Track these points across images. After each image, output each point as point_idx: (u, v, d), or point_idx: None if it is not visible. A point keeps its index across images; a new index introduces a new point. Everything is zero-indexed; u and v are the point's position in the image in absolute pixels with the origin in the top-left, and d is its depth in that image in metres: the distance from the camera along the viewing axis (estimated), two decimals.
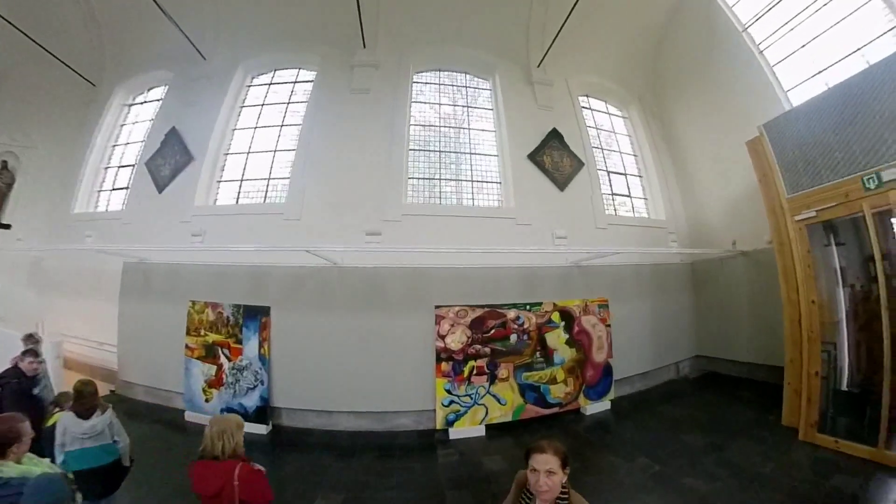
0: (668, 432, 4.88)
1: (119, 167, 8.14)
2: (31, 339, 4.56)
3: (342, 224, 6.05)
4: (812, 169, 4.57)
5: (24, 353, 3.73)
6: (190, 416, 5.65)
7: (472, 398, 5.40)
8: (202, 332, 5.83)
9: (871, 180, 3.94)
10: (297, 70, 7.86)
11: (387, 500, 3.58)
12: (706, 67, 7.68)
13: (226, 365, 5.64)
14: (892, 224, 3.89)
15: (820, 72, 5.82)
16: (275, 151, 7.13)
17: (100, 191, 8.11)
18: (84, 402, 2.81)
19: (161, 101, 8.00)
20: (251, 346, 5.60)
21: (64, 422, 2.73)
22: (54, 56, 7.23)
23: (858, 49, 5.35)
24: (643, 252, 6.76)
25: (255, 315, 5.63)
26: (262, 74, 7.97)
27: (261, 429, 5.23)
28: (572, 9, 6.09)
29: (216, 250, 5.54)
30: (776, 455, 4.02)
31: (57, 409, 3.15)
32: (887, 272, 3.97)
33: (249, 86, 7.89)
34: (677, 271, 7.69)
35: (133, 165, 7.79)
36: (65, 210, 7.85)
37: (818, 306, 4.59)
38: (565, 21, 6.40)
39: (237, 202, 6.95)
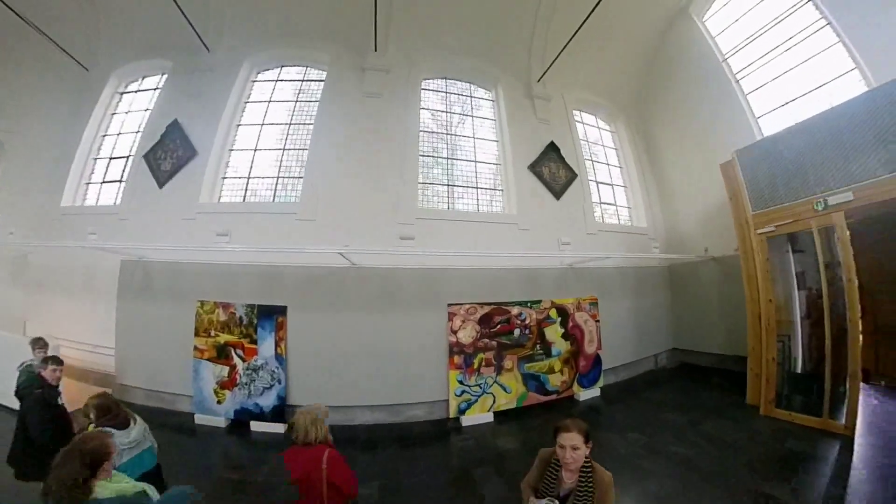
0: (652, 413, 5.66)
1: (111, 159, 7.73)
2: (39, 342, 4.24)
3: (358, 225, 6.25)
4: (773, 191, 5.47)
5: (46, 359, 3.39)
6: (200, 418, 5.52)
7: (481, 388, 5.92)
8: (213, 333, 5.74)
9: (819, 203, 4.85)
10: (305, 68, 7.88)
11: (421, 483, 3.90)
12: (687, 89, 8.55)
13: (239, 365, 5.61)
14: (835, 240, 4.77)
15: (786, 103, 6.75)
16: (283, 150, 7.14)
17: (89, 183, 7.66)
18: (117, 414, 2.68)
19: (159, 91, 7.66)
20: (267, 346, 5.63)
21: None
22: (45, 34, 6.79)
23: (821, 86, 6.26)
24: (629, 256, 7.55)
25: (271, 315, 5.67)
26: (267, 70, 7.90)
27: (278, 428, 5.32)
28: (576, 31, 6.65)
29: (246, 251, 5.51)
30: (743, 426, 4.88)
31: (91, 423, 2.78)
32: (830, 278, 4.89)
33: (254, 81, 7.79)
34: (656, 273, 8.58)
35: (127, 157, 7.43)
36: (52, 202, 7.37)
37: (775, 304, 5.51)
38: (569, 41, 6.96)
39: (244, 200, 6.89)
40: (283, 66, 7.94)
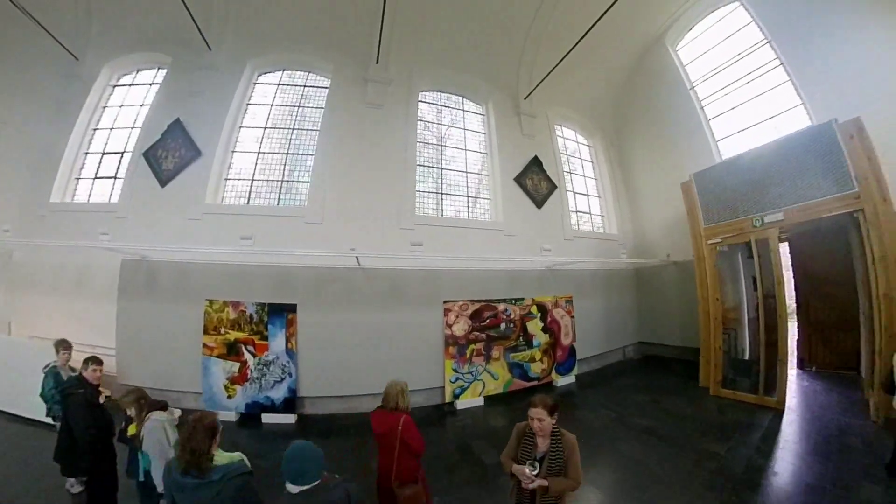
0: (621, 395, 6.58)
1: (103, 154, 7.42)
2: (64, 344, 4.18)
3: (362, 229, 6.68)
4: (722, 209, 6.54)
5: (87, 360, 3.39)
6: None
7: (472, 375, 6.62)
8: (222, 331, 5.90)
9: (757, 221, 5.88)
10: (307, 74, 8.02)
11: (429, 454, 4.37)
12: (658, 111, 9.53)
13: (250, 361, 5.84)
14: (769, 251, 5.80)
15: (743, 130, 7.79)
16: (286, 154, 7.36)
17: (79, 178, 7.35)
18: (156, 400, 2.91)
19: (159, 87, 7.49)
20: (278, 342, 5.94)
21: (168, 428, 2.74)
22: (29, 16, 6.37)
23: (772, 117, 7.25)
24: (600, 261, 8.48)
25: (281, 312, 5.98)
26: (268, 73, 7.93)
27: (289, 418, 5.62)
28: (563, 57, 7.39)
29: (269, 253, 5.81)
30: (695, 403, 5.90)
31: (134, 417, 2.85)
32: (766, 282, 5.92)
33: (255, 83, 7.80)
34: (625, 275, 9.59)
35: (121, 154, 7.26)
36: (41, 197, 6.94)
37: (722, 303, 6.51)
38: (556, 66, 7.68)
39: (248, 202, 6.99)
40: (284, 70, 8.03)
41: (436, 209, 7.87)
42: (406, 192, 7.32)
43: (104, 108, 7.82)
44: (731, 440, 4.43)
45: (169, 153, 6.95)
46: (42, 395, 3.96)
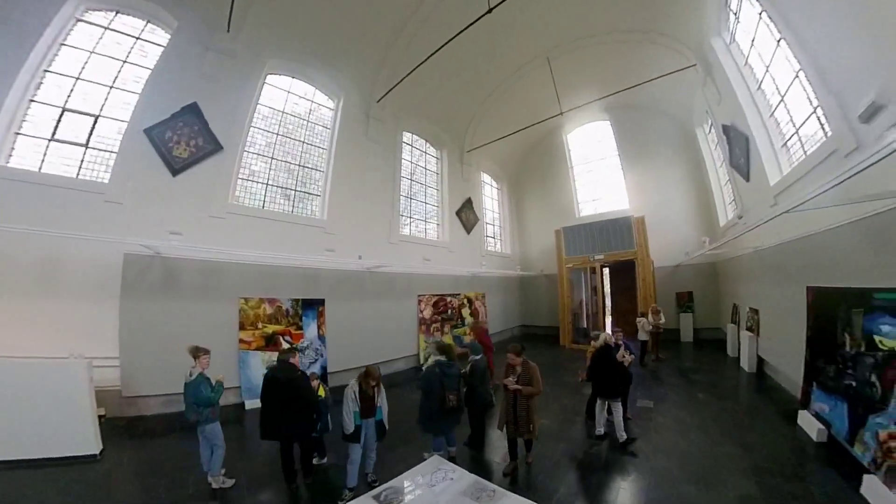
0: None
1: (64, 109, 5.65)
2: (201, 350, 4.01)
3: (366, 241, 8.81)
4: (574, 248, 11.59)
5: (292, 350, 4.28)
6: (250, 404, 5.81)
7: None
8: (259, 325, 6.44)
9: (591, 257, 11.06)
10: (314, 90, 8.65)
11: (413, 400, 5.29)
12: (548, 175, 14.47)
13: None
14: (591, 275, 11.01)
15: (595, 200, 13.22)
16: (300, 166, 8.23)
17: (18, 133, 5.34)
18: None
19: (161, 55, 6.28)
20: (311, 330, 7.13)
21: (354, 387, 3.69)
22: None
23: (613, 195, 12.76)
24: (501, 272, 12.94)
25: (313, 306, 7.30)
26: (275, 75, 7.94)
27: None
28: (506, 136, 10.94)
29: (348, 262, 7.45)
30: (557, 351, 10.74)
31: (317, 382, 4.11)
32: (593, 289, 11.12)
33: (265, 84, 7.71)
34: (515, 281, 14.36)
35: (95, 116, 5.81)
36: None
37: (571, 299, 11.59)
38: (494, 140, 11.31)
39: (263, 206, 7.49)
40: (293, 78, 8.29)
41: (405, 228, 10.63)
42: (393, 215, 9.91)
43: (62, 44, 5.75)
44: (575, 363, 9.04)
45: (182, 139, 6.20)
46: (198, 400, 3.78)
